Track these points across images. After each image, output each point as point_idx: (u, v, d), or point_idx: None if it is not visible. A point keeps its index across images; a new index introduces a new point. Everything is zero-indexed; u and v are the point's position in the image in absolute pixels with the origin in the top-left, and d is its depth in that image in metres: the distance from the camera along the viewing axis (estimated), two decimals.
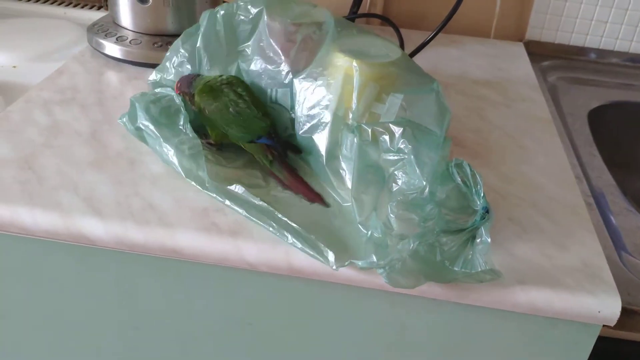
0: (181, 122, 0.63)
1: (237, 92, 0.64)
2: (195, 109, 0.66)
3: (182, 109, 0.64)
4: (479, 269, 0.51)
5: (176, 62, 0.70)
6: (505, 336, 0.58)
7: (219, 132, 0.65)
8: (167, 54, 0.71)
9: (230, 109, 0.63)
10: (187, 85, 0.66)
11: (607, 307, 0.52)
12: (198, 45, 0.69)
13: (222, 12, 0.68)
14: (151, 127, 0.63)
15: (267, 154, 0.63)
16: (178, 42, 0.70)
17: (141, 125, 0.64)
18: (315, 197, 0.61)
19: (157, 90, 0.66)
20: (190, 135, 0.62)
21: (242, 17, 0.67)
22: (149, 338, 0.66)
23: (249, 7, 0.67)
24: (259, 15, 0.66)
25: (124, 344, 0.67)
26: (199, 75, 0.67)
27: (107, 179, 0.62)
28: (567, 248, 0.58)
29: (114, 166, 0.64)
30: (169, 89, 0.66)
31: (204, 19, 0.68)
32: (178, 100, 0.65)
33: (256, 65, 0.67)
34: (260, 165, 0.64)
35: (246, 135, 0.63)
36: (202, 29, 0.68)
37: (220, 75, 0.66)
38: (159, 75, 0.72)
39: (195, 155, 0.61)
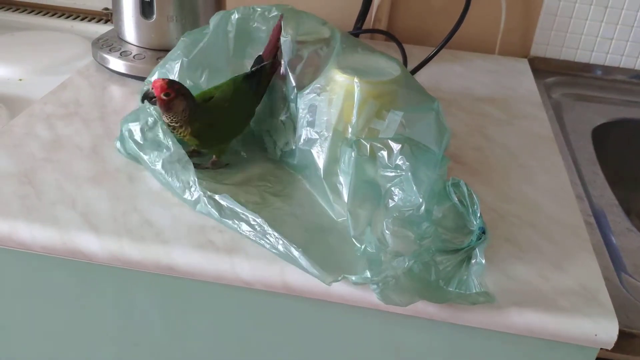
0: (169, 142, 0.63)
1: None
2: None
3: (170, 132, 0.63)
4: (473, 291, 0.51)
5: (175, 62, 0.68)
6: (501, 358, 0.57)
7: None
8: (168, 54, 0.69)
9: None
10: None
11: (604, 330, 0.52)
12: (203, 42, 0.68)
13: (237, 16, 0.68)
14: (141, 154, 0.64)
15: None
16: (180, 42, 0.69)
17: (132, 152, 0.65)
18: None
19: (146, 110, 0.66)
20: (179, 151, 0.62)
21: (257, 25, 0.68)
22: (148, 354, 0.66)
23: (266, 14, 0.68)
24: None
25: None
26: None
27: (106, 194, 0.63)
28: (565, 270, 0.57)
29: (112, 181, 0.65)
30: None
31: (215, 19, 0.68)
32: (164, 126, 0.63)
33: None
34: (255, 183, 0.64)
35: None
36: (211, 28, 0.68)
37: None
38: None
39: (185, 165, 0.61)
